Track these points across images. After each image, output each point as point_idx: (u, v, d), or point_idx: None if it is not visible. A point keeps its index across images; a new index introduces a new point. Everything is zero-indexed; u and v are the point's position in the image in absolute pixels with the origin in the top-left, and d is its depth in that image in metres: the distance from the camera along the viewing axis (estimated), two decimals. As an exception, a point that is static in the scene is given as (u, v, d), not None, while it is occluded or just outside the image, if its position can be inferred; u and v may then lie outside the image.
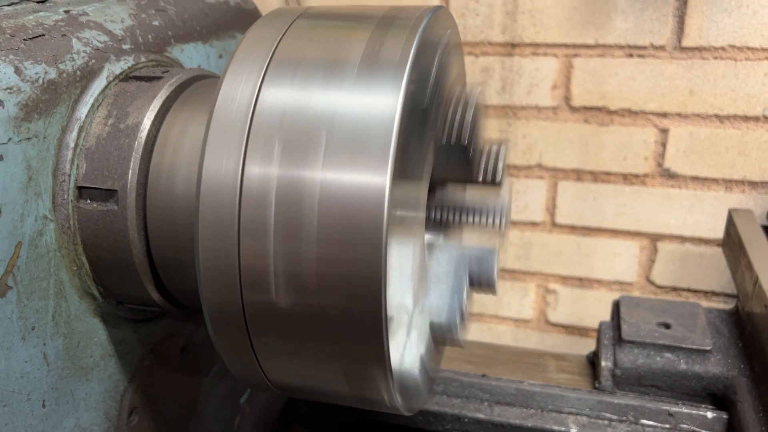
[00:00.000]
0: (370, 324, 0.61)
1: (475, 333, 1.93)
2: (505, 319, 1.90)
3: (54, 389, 0.72)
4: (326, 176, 0.59)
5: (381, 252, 0.58)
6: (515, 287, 1.84)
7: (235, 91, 0.64)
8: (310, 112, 0.61)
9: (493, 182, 0.73)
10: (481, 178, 0.73)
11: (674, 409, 1.07)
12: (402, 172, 0.61)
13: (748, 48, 1.43)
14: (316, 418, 1.17)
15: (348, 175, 0.59)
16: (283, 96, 0.63)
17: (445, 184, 0.81)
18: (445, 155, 0.72)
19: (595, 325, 1.23)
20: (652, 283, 1.71)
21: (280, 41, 0.67)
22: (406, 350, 0.68)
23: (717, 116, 1.50)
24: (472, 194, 0.84)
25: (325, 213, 0.59)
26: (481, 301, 1.89)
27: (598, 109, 1.58)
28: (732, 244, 1.31)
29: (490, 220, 0.77)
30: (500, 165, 0.73)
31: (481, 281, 0.77)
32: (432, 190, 0.82)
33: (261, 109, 0.63)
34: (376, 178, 0.58)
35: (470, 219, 0.78)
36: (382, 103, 0.60)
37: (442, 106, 0.72)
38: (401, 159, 0.60)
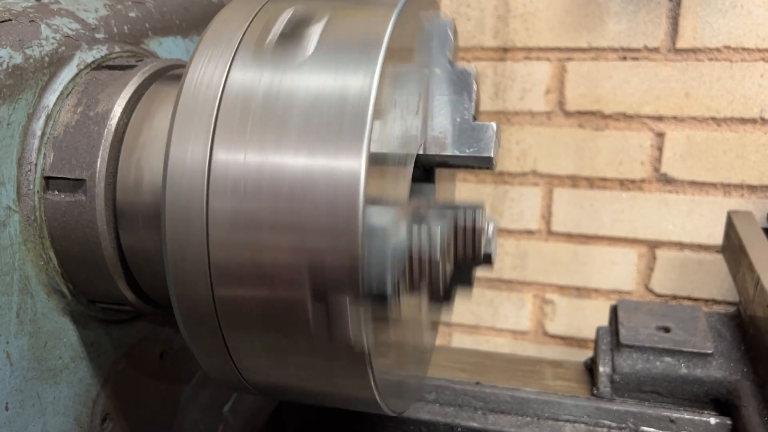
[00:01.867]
0: (348, 317, 0.57)
1: (471, 346, 1.88)
2: (502, 331, 1.85)
3: (18, 391, 0.68)
4: (297, 161, 0.56)
5: (358, 240, 0.55)
6: (512, 298, 1.80)
7: (203, 74, 0.61)
8: (282, 94, 0.58)
9: (486, 163, 0.69)
10: (474, 157, 0.69)
11: (676, 415, 1.02)
12: (382, 152, 0.58)
13: (744, 49, 1.41)
14: (303, 428, 1.12)
15: (321, 160, 0.56)
16: (253, 78, 0.60)
17: (431, 180, 0.78)
18: (436, 132, 0.69)
19: (594, 336, 1.19)
20: (651, 291, 1.67)
21: (250, 23, 0.64)
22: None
23: (714, 119, 1.48)
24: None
25: (297, 200, 0.56)
26: (477, 313, 1.85)
27: (593, 113, 1.55)
28: (732, 246, 1.27)
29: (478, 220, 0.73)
30: (492, 144, 0.69)
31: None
32: (419, 179, 0.79)
33: (229, 92, 0.60)
34: (350, 162, 0.55)
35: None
36: (357, 80, 0.57)
37: (430, 80, 0.69)
38: (380, 140, 0.57)
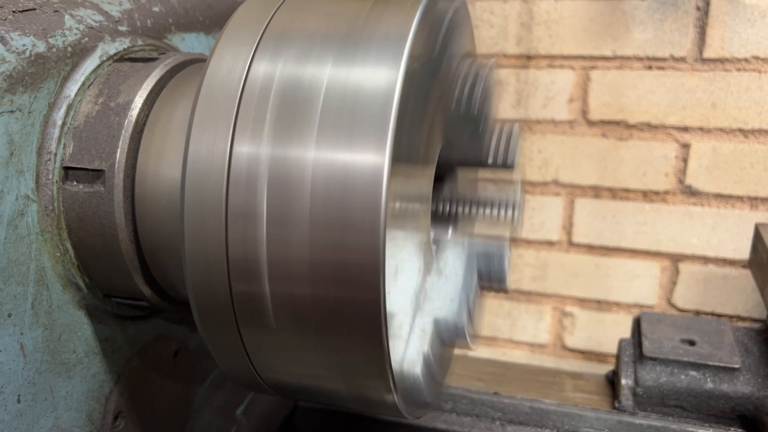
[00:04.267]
0: (368, 316, 0.56)
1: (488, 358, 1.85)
2: (519, 344, 1.82)
3: (31, 384, 0.67)
4: (320, 156, 0.55)
5: (379, 237, 0.53)
6: (530, 310, 1.78)
7: (225, 66, 0.60)
8: (304, 87, 0.57)
9: (505, 164, 0.68)
10: (492, 160, 0.68)
11: (700, 431, 0.99)
12: (404, 151, 0.57)
13: (773, 59, 1.39)
14: (317, 433, 1.11)
15: (343, 155, 0.54)
16: (276, 71, 0.59)
17: (455, 171, 0.76)
18: (454, 135, 0.67)
19: (614, 351, 1.16)
20: (673, 305, 1.63)
21: (273, 14, 0.63)
22: (408, 348, 0.63)
23: (741, 130, 1.45)
24: (483, 186, 0.79)
25: (318, 196, 0.55)
26: (495, 325, 1.82)
27: (617, 123, 1.53)
28: (760, 260, 1.24)
29: (502, 212, 0.72)
30: (513, 145, 0.68)
31: (491, 278, 0.71)
32: (441, 180, 0.77)
33: (251, 84, 0.59)
34: (373, 158, 0.53)
35: (481, 211, 0.73)
36: (381, 77, 0.56)
37: (450, 80, 0.67)
38: (403, 137, 0.56)
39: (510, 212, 0.71)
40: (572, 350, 1.77)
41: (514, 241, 1.71)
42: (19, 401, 0.66)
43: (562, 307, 1.74)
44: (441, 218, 0.74)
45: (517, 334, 1.81)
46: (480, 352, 1.86)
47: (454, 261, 0.72)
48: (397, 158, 0.54)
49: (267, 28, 0.62)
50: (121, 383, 0.79)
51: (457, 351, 0.96)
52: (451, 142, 0.71)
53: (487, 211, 0.72)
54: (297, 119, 0.56)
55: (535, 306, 1.77)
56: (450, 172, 0.76)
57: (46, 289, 0.68)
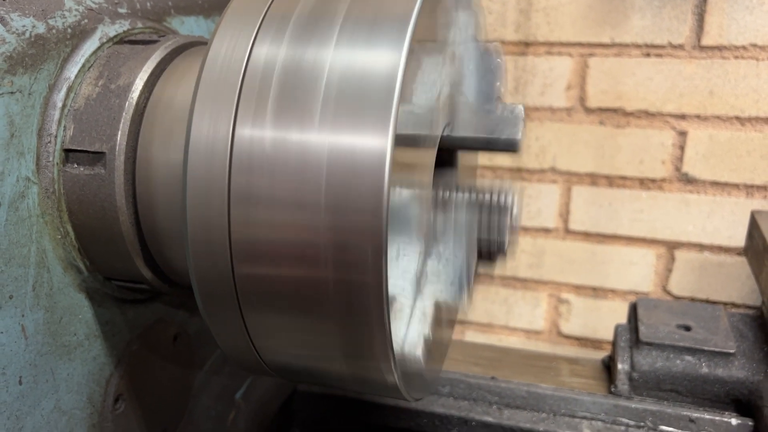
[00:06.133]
0: (370, 297, 0.56)
1: (484, 344, 1.86)
2: (515, 330, 1.83)
3: (32, 365, 0.67)
4: (322, 139, 0.55)
5: (381, 220, 0.53)
6: (527, 297, 1.78)
7: (226, 48, 0.60)
8: (307, 69, 0.57)
9: (509, 147, 0.68)
10: (496, 143, 0.68)
11: (696, 415, 1.00)
12: (407, 133, 0.57)
13: (771, 47, 1.39)
14: (315, 419, 1.11)
15: (346, 137, 0.54)
16: (278, 53, 0.59)
17: (456, 156, 0.77)
18: (458, 117, 0.67)
19: (610, 338, 1.17)
20: (669, 293, 1.64)
21: None
22: (408, 330, 0.63)
23: (738, 118, 1.45)
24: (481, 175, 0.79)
25: (321, 179, 0.55)
26: (491, 311, 1.83)
27: (614, 110, 1.53)
28: (755, 247, 1.25)
29: (502, 199, 0.72)
30: (519, 125, 0.68)
31: (491, 245, 0.71)
32: (442, 165, 0.77)
33: (253, 66, 0.59)
34: (377, 141, 0.53)
35: (480, 197, 0.73)
36: (384, 59, 0.56)
37: (457, 61, 0.67)
38: (406, 119, 0.56)
39: (509, 199, 0.71)
40: (568, 337, 1.79)
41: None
42: (20, 383, 0.66)
43: (558, 294, 1.75)
44: (441, 203, 0.74)
45: (513, 320, 1.82)
46: (476, 338, 1.87)
47: (454, 244, 0.73)
48: (400, 141, 0.54)
49: (268, 11, 0.62)
50: (122, 366, 0.80)
51: (455, 336, 0.96)
52: (455, 124, 0.71)
53: (487, 197, 0.72)
54: (300, 101, 0.56)
55: (531, 293, 1.78)
56: (451, 157, 0.76)
57: (47, 272, 0.68)
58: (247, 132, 0.57)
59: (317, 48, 0.58)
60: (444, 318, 0.86)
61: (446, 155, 0.77)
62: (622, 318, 1.22)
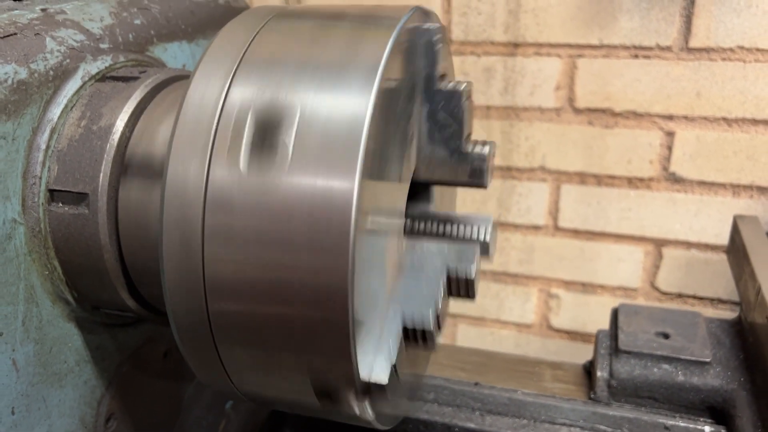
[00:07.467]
0: (336, 336, 0.58)
1: (476, 338, 1.90)
2: (506, 324, 1.87)
3: (24, 396, 0.71)
4: (293, 180, 0.57)
5: (348, 261, 0.56)
6: (517, 291, 1.81)
7: (203, 90, 0.62)
8: (279, 113, 0.59)
9: (479, 183, 0.70)
10: (466, 179, 0.70)
11: (671, 422, 1.03)
12: (376, 174, 0.59)
13: (758, 49, 1.39)
14: (305, 425, 1.15)
15: (315, 179, 0.57)
16: (252, 96, 0.61)
17: (430, 189, 0.79)
18: (429, 154, 0.69)
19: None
20: (656, 289, 1.67)
21: (252, 40, 0.65)
22: (376, 359, 0.66)
23: (725, 119, 1.46)
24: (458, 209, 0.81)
25: (291, 218, 0.57)
26: (483, 306, 1.86)
27: (603, 111, 1.54)
28: (736, 251, 1.27)
29: (475, 232, 0.74)
30: (487, 165, 0.70)
31: (458, 278, 0.73)
32: (416, 197, 0.79)
33: (228, 108, 0.61)
34: (343, 183, 0.56)
35: (455, 229, 0.75)
36: (353, 103, 0.58)
37: (427, 101, 0.69)
38: (374, 161, 0.58)
39: (483, 232, 0.73)
40: (558, 330, 1.82)
41: (502, 225, 1.73)
42: (13, 413, 0.70)
43: (548, 289, 1.78)
44: (415, 233, 0.77)
45: (504, 314, 1.85)
46: (468, 332, 1.91)
47: (427, 270, 0.75)
48: (369, 180, 0.56)
49: (246, 53, 0.64)
50: (113, 387, 0.83)
51: (443, 339, 0.98)
52: (426, 160, 0.73)
53: (461, 228, 0.74)
54: (272, 143, 0.58)
55: (521, 288, 1.81)
56: (425, 190, 0.78)
57: (36, 306, 0.71)
58: (219, 173, 0.59)
59: (290, 92, 0.60)
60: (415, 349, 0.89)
61: (421, 186, 0.79)
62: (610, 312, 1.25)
